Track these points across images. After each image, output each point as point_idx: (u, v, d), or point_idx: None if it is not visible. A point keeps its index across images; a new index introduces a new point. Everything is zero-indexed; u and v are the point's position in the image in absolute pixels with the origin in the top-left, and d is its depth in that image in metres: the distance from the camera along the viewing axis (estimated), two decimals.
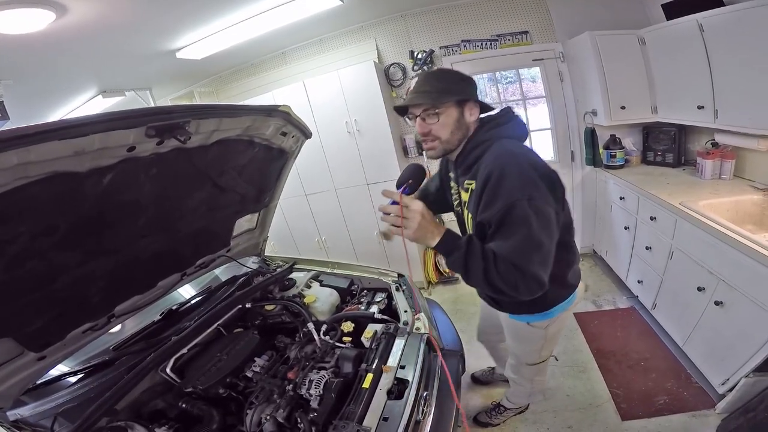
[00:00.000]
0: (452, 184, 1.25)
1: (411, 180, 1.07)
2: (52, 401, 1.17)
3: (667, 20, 2.27)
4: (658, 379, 2.03)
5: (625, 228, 2.60)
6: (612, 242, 2.93)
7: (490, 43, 3.02)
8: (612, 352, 2.28)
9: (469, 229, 1.13)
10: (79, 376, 1.35)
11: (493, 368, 2.19)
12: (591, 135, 2.89)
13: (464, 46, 3.06)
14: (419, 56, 3.07)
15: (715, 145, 2.27)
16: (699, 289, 1.84)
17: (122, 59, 2.47)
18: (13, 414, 1.10)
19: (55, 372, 1.33)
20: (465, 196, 1.11)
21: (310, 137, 1.65)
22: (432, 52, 3.06)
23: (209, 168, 1.33)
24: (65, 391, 1.22)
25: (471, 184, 1.05)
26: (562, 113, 3.07)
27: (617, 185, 2.68)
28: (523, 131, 1.11)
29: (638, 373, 2.10)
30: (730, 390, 1.70)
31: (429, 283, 3.49)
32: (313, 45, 3.30)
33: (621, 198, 2.64)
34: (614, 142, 2.80)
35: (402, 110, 1.11)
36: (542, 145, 3.27)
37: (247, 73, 3.53)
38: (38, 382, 1.27)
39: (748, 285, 1.55)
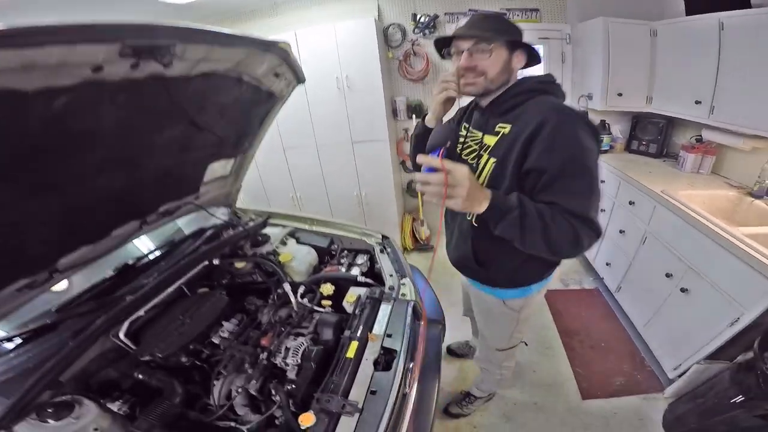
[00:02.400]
0: (468, 131, 1.18)
1: (449, 142, 0.92)
2: None
3: (687, 15, 2.28)
4: (616, 361, 2.14)
5: (602, 210, 2.64)
6: None
7: None
8: (576, 332, 2.37)
9: (485, 176, 1.04)
10: (16, 342, 1.13)
11: (468, 342, 2.20)
12: None
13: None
14: (422, 20, 2.92)
15: (699, 140, 2.35)
16: (667, 275, 1.92)
17: (99, 4, 2.12)
18: None
19: None
20: (490, 140, 1.05)
21: (304, 82, 1.46)
22: (436, 17, 2.92)
23: (188, 103, 1.12)
24: None
25: (504, 127, 1.01)
26: None
27: (600, 168, 2.70)
28: (562, 94, 1.06)
29: (599, 353, 2.21)
30: (681, 375, 1.80)
31: (404, 249, 3.48)
32: None
33: (602, 181, 2.65)
34: (603, 127, 2.87)
35: (443, 44, 1.07)
36: None
37: (234, 22, 3.17)
38: None
39: (716, 274, 1.62)
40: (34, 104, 0.72)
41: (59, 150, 0.88)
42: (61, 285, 1.25)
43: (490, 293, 1.32)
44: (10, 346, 1.11)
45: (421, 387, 1.24)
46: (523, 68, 1.08)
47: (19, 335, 1.12)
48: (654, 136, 2.70)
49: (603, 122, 2.87)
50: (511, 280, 1.24)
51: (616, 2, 2.65)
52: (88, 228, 1.18)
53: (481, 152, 1.08)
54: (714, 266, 1.64)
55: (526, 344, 2.05)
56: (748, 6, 1.90)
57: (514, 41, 1.01)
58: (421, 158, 0.86)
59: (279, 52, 1.21)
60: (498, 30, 0.99)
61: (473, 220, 1.17)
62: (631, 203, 2.30)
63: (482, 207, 0.87)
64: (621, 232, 2.41)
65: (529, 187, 0.94)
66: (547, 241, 0.87)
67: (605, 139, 2.83)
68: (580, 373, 2.07)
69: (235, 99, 1.29)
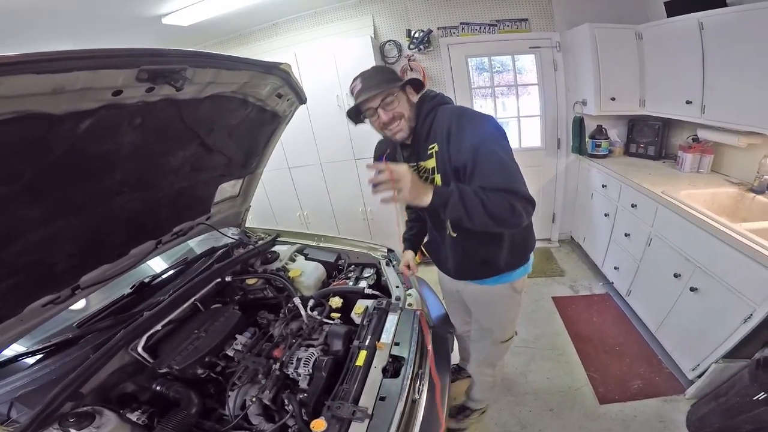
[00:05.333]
0: (413, 167, 1.28)
1: (388, 149, 1.19)
2: (9, 384, 1.03)
3: (668, 17, 2.33)
4: (631, 365, 2.11)
5: (605, 215, 2.68)
6: (590, 229, 3.02)
7: (489, 28, 3.00)
8: (589, 337, 2.34)
9: None
10: (40, 356, 1.19)
11: (458, 364, 2.08)
12: (579, 124, 2.97)
13: (462, 28, 3.03)
14: (416, 35, 3.02)
15: (696, 140, 2.36)
16: (675, 275, 1.91)
17: (103, 24, 2.25)
18: None
19: (10, 352, 1.18)
20: (430, 163, 1.18)
21: (305, 102, 1.55)
22: (430, 32, 3.01)
23: (198, 124, 1.20)
24: (23, 373, 1.08)
25: (434, 147, 1.15)
26: (552, 101, 3.11)
27: (600, 173, 2.76)
28: (450, 99, 1.25)
29: (614, 357, 2.17)
30: (700, 376, 1.77)
31: None
32: (307, 18, 3.14)
33: (603, 186, 2.72)
34: (600, 132, 2.88)
35: (355, 116, 1.21)
36: (530, 131, 3.31)
37: (236, 43, 3.32)
38: None
39: (725, 272, 1.61)
40: (61, 127, 0.80)
41: (82, 172, 0.96)
42: (82, 303, 1.32)
43: (498, 282, 1.36)
44: (34, 359, 1.16)
45: (430, 393, 1.25)
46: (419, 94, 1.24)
47: (43, 349, 1.18)
48: (651, 138, 2.72)
49: (600, 127, 2.88)
50: (513, 258, 1.31)
51: (601, 8, 2.72)
52: (108, 247, 1.25)
53: (430, 176, 1.20)
54: (721, 264, 1.63)
55: (517, 333, 2.03)
56: (724, 5, 1.94)
57: (402, 83, 1.16)
58: (369, 165, 1.05)
59: (280, 73, 1.29)
60: (388, 79, 1.14)
61: (450, 232, 1.28)
62: (633, 206, 2.31)
63: (428, 196, 1.01)
64: (626, 235, 2.41)
65: (463, 181, 1.09)
66: (489, 213, 0.98)
67: (603, 143, 2.86)
68: (595, 378, 2.04)
69: (241, 120, 1.37)
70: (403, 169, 0.99)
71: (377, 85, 1.11)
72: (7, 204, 0.83)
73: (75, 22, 2.06)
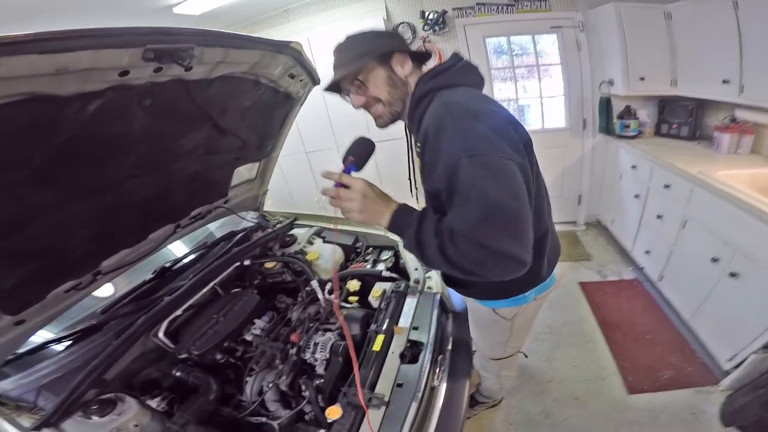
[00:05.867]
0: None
1: (352, 156, 0.90)
2: (36, 372, 1.06)
3: None
4: (663, 353, 2.01)
5: (636, 196, 2.57)
6: (619, 211, 2.91)
7: (507, 8, 2.87)
8: (617, 324, 2.25)
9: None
10: (65, 343, 1.23)
11: None
12: (606, 104, 2.86)
13: (479, 8, 2.90)
14: (430, 17, 2.93)
15: (733, 120, 2.22)
16: (713, 260, 1.79)
17: (113, 16, 2.27)
18: None
19: (38, 339, 1.21)
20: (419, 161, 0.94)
21: (319, 83, 1.50)
22: (444, 12, 2.92)
23: (210, 106, 1.18)
24: (50, 361, 1.11)
25: (419, 145, 0.89)
26: (577, 82, 2.99)
27: (630, 154, 2.65)
28: (472, 77, 0.93)
29: (644, 346, 2.08)
30: (737, 366, 1.67)
31: None
32: (319, 2, 3.10)
33: (633, 167, 2.60)
34: (628, 113, 2.76)
35: (337, 90, 0.99)
36: (554, 112, 3.21)
37: (248, 31, 3.27)
38: (19, 351, 1.15)
39: None
40: (69, 109, 0.79)
41: (94, 154, 0.95)
42: (107, 290, 1.35)
43: (480, 303, 1.18)
44: (61, 347, 1.20)
45: (451, 380, 1.21)
46: (425, 65, 0.98)
47: (68, 336, 1.21)
48: (684, 118, 2.55)
49: (628, 108, 2.75)
50: (498, 290, 1.09)
51: None
52: (127, 232, 1.26)
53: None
54: (764, 247, 1.51)
55: (526, 356, 1.91)
56: None
57: (380, 54, 0.90)
58: (324, 173, 0.85)
59: (291, 52, 1.26)
60: (356, 55, 0.89)
61: None
62: (666, 187, 2.18)
63: (383, 221, 0.83)
64: (659, 217, 2.28)
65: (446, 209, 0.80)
66: (447, 262, 0.73)
67: (632, 124, 2.72)
68: (624, 367, 1.96)
69: (254, 101, 1.35)
70: (356, 187, 0.82)
71: (346, 64, 0.90)
72: (18, 188, 0.83)
73: (84, 14, 2.07)
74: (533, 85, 3.20)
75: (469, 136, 0.73)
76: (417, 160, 0.98)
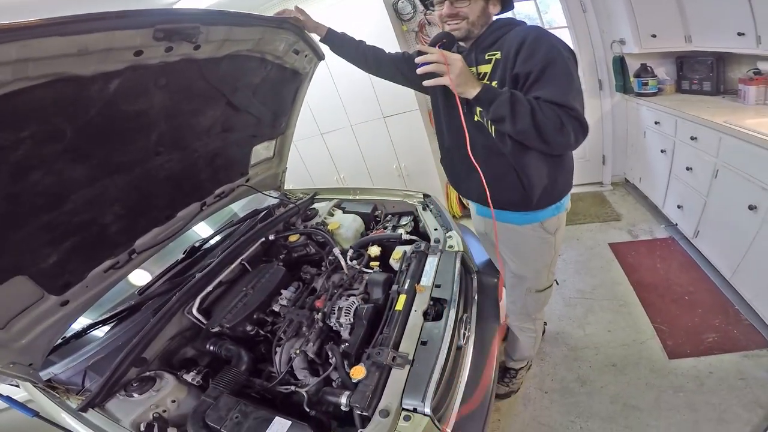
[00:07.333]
0: None
1: (445, 39, 1.11)
2: (82, 355, 1.12)
3: None
4: (704, 315, 1.90)
5: (662, 151, 2.48)
6: (647, 168, 2.81)
7: None
8: (653, 285, 2.15)
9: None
10: (108, 326, 1.30)
11: None
12: (620, 63, 2.79)
13: None
14: None
15: (757, 72, 2.09)
16: (750, 207, 1.69)
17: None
18: (46, 374, 1.06)
19: (81, 325, 1.29)
20: (486, 68, 1.14)
21: (323, 59, 1.56)
22: None
23: (222, 84, 1.25)
24: (94, 343, 1.18)
25: (495, 54, 1.11)
26: (586, 44, 2.92)
27: (651, 110, 2.56)
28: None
29: (683, 307, 1.98)
30: None
31: (453, 217, 3.42)
32: None
33: (656, 123, 2.52)
34: (645, 71, 2.67)
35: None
36: None
37: None
38: (67, 335, 1.23)
39: None
40: (92, 87, 0.85)
41: (119, 132, 1.03)
42: (144, 275, 1.42)
43: (526, 221, 1.25)
44: (105, 329, 1.27)
45: (479, 341, 1.20)
46: (498, 13, 1.20)
47: (109, 318, 1.29)
48: (705, 74, 2.44)
49: (644, 66, 2.65)
50: (548, 194, 1.20)
51: None
52: (156, 208, 1.34)
53: (484, 81, 1.14)
54: None
55: (557, 283, 1.91)
56: None
57: None
58: (421, 47, 1.06)
59: (292, 27, 1.30)
60: None
61: (492, 132, 1.14)
62: (693, 138, 2.08)
63: (475, 88, 1.00)
64: (688, 169, 2.19)
65: (519, 90, 1.04)
66: (535, 122, 0.95)
67: (650, 82, 2.62)
68: (663, 330, 1.87)
69: (263, 79, 1.40)
70: (456, 56, 1.00)
71: None
72: (55, 163, 0.90)
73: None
74: None
75: (565, 48, 1.03)
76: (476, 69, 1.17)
